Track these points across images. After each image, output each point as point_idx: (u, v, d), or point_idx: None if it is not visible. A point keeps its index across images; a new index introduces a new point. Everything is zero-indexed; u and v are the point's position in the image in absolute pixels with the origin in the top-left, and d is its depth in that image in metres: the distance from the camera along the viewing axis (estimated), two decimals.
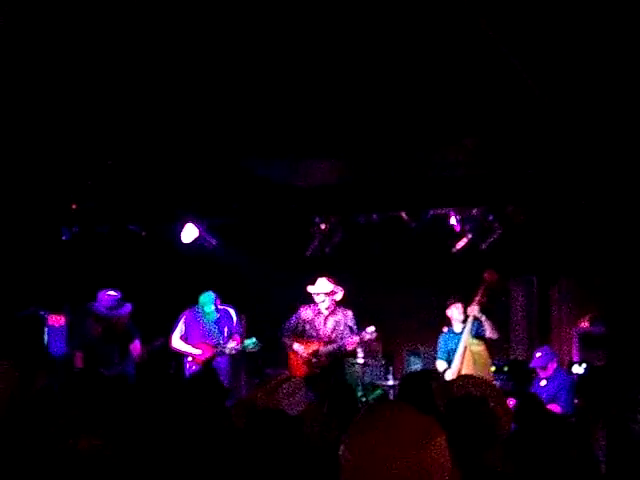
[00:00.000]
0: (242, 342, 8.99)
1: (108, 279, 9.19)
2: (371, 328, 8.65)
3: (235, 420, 3.38)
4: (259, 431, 2.94)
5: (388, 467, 1.80)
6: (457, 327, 8.75)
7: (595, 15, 4.96)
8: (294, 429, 3.04)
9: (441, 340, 8.90)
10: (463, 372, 8.23)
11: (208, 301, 9.03)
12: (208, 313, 9.04)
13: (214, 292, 9.09)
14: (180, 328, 9.17)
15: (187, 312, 9.21)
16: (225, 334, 9.06)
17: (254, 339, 8.91)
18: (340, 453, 1.87)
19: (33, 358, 8.29)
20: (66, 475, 2.29)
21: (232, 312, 9.21)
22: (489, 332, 8.53)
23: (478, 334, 8.55)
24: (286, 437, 2.97)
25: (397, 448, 1.81)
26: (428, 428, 1.86)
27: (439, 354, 8.85)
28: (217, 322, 9.09)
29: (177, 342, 9.14)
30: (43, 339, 9.28)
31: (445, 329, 8.93)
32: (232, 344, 8.99)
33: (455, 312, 8.77)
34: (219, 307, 9.08)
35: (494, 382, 8.40)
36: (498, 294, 9.37)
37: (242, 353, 9.21)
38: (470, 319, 8.53)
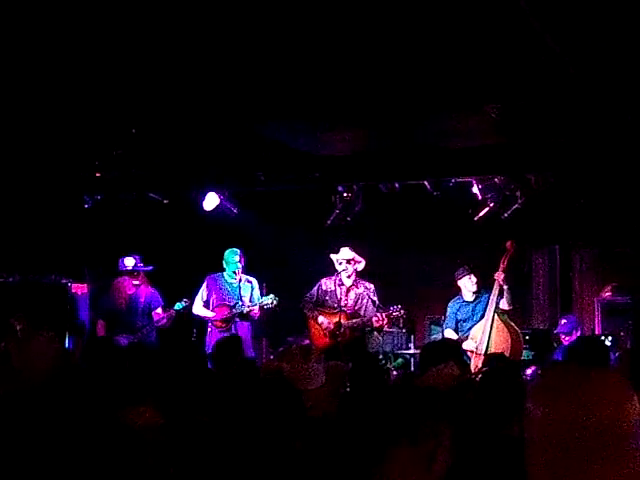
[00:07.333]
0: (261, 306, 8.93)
1: (130, 247, 9.25)
2: (398, 307, 8.59)
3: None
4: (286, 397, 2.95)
5: (582, 425, 1.66)
6: (468, 297, 8.70)
7: None
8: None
9: (451, 308, 8.81)
10: (496, 342, 8.17)
11: (232, 255, 8.98)
12: (231, 271, 8.96)
13: (240, 249, 9.06)
14: (201, 294, 9.18)
15: (208, 278, 9.23)
16: (245, 302, 9.04)
17: (272, 295, 8.87)
18: (527, 411, 1.73)
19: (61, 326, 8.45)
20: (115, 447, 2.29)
21: (255, 282, 9.19)
22: (506, 303, 8.45)
23: (497, 304, 8.47)
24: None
25: (594, 405, 1.68)
26: (624, 386, 1.73)
27: (448, 322, 8.79)
28: (238, 288, 9.04)
29: (198, 309, 9.16)
30: (67, 307, 9.35)
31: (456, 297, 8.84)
32: (249, 304, 8.96)
33: (468, 282, 8.70)
34: (242, 275, 9.05)
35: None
36: (518, 263, 9.33)
37: (263, 321, 9.20)
38: (495, 289, 8.40)
